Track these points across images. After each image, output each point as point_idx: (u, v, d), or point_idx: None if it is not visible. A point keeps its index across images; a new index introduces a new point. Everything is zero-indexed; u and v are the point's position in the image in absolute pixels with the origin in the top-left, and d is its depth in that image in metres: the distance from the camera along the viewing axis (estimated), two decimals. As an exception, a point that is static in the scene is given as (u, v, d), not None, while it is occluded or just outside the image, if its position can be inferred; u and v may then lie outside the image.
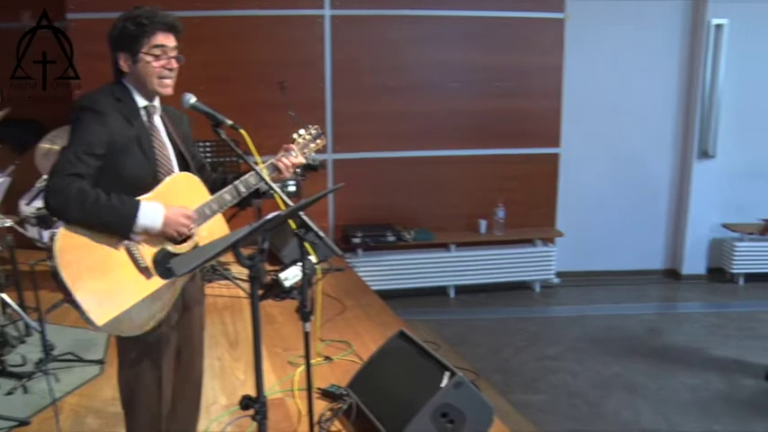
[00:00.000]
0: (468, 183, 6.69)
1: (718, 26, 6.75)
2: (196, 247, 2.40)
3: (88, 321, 2.17)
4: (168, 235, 2.31)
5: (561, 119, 6.76)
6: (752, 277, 7.10)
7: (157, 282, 2.31)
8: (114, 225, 2.22)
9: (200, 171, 2.62)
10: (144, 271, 2.28)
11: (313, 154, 2.81)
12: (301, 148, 2.70)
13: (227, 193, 2.48)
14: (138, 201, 2.26)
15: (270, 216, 2.04)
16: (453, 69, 6.52)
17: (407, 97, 6.42)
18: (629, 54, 6.86)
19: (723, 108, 6.92)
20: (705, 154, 7.02)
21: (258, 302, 2.10)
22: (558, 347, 5.53)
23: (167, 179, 2.39)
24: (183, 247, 2.38)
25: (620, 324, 6.05)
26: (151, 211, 2.26)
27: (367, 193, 6.47)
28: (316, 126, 2.81)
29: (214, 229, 2.48)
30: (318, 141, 2.78)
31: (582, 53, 6.69)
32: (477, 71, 6.56)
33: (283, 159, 2.61)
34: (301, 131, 2.75)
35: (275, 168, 2.59)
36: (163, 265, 2.32)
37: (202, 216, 2.42)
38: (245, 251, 2.06)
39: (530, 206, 6.84)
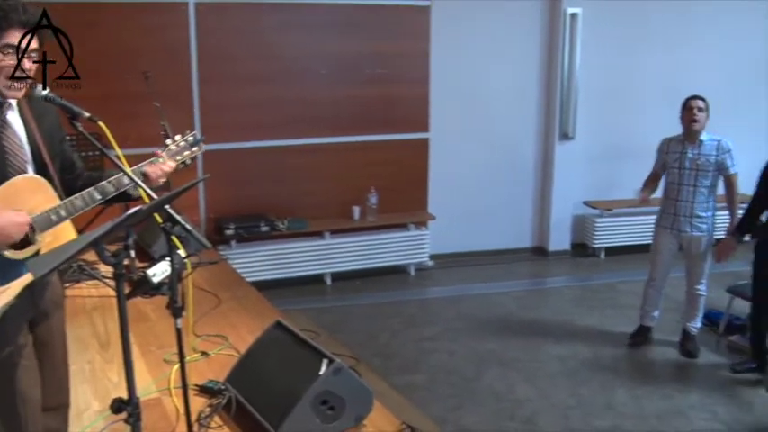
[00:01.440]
0: (340, 170, 6.70)
1: (573, 15, 7.08)
2: (38, 253, 2.23)
3: None
4: None
5: (430, 104, 6.89)
6: (611, 251, 7.54)
7: None
8: None
9: (68, 170, 2.47)
10: None
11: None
12: (173, 154, 2.59)
13: (78, 199, 2.29)
14: None
15: (132, 211, 1.96)
16: (322, 57, 6.50)
17: (276, 86, 6.35)
18: (493, 42, 7.08)
19: (581, 92, 7.26)
20: (566, 136, 7.35)
21: (125, 301, 2.03)
22: (435, 328, 5.67)
23: (9, 182, 2.19)
24: (21, 253, 2.20)
25: (493, 302, 6.26)
26: None
27: (238, 183, 6.38)
28: (194, 132, 2.68)
29: (60, 235, 2.30)
30: (195, 149, 2.66)
31: (448, 41, 6.83)
32: (346, 59, 6.58)
33: (153, 169, 2.51)
34: (177, 137, 2.62)
35: (144, 175, 2.48)
36: None
37: (46, 222, 2.24)
38: (113, 248, 1.98)
39: (402, 191, 6.94)
